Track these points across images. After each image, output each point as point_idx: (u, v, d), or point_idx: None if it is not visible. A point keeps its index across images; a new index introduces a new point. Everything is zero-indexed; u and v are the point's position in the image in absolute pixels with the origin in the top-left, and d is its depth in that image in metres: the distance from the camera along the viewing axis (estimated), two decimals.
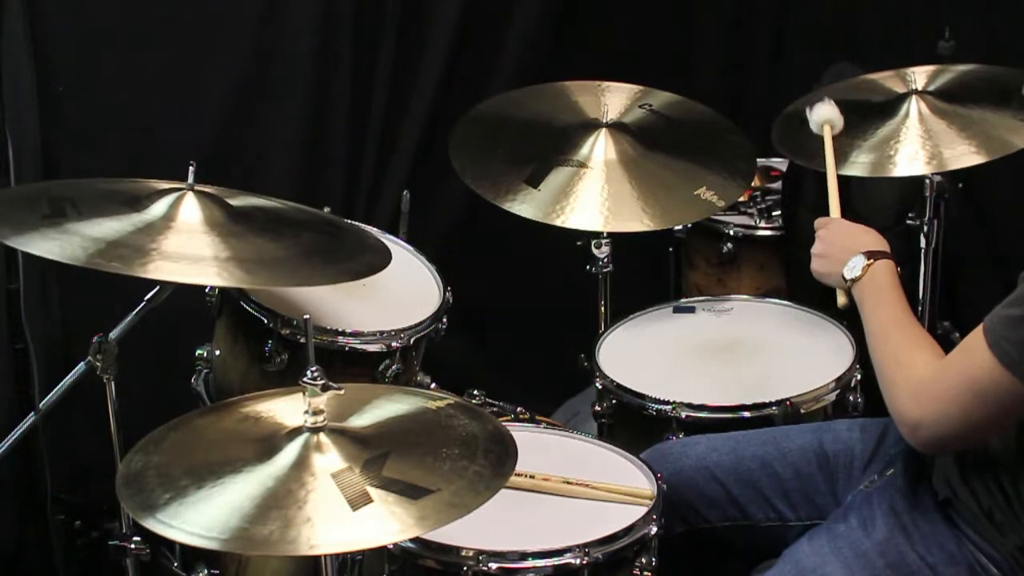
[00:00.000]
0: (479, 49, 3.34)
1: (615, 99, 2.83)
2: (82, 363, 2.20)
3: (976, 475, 1.92)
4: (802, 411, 2.34)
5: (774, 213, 3.19)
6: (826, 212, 3.20)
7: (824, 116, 2.57)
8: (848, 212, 3.03)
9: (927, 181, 2.69)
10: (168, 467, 1.73)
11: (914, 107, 2.64)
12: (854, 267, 2.05)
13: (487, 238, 3.27)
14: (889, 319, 1.98)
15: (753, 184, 3.19)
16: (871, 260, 2.04)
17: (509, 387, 2.92)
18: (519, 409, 2.71)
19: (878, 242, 2.11)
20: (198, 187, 2.17)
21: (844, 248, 2.11)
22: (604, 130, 2.75)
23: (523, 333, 3.47)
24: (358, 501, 1.64)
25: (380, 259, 2.26)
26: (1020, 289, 1.78)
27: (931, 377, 1.85)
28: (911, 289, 2.83)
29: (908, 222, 2.78)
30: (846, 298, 2.12)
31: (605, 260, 2.74)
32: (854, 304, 2.09)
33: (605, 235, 2.71)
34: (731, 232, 3.15)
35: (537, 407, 2.83)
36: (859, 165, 2.61)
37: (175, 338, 2.56)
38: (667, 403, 2.42)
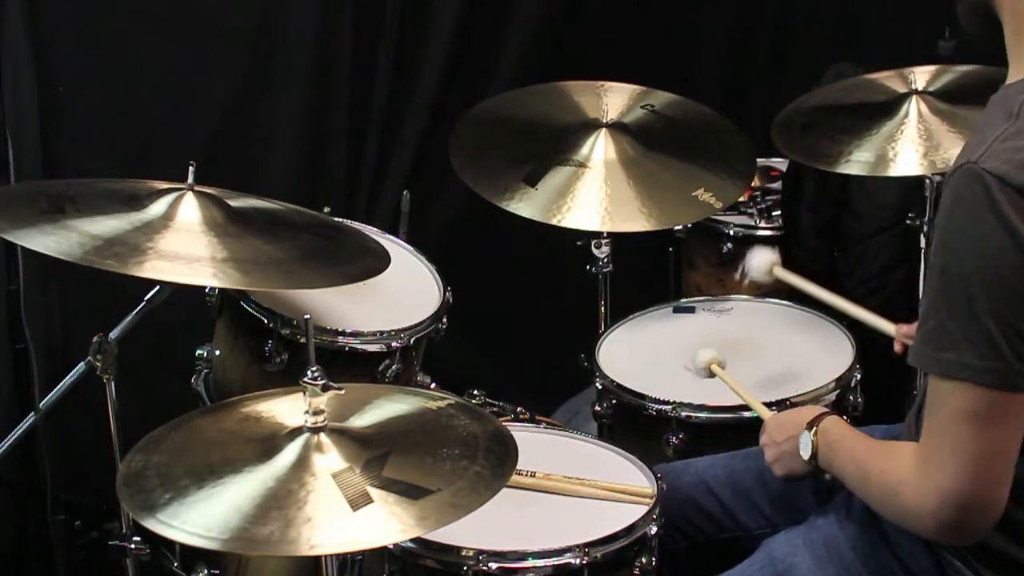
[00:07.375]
0: (479, 49, 3.34)
1: (615, 99, 2.83)
2: (82, 363, 2.20)
3: None
4: None
5: (774, 213, 3.19)
6: (826, 212, 3.20)
7: (707, 358, 2.40)
8: (848, 212, 3.05)
9: (927, 181, 2.69)
10: (168, 467, 1.73)
11: (914, 107, 2.64)
12: (805, 444, 1.99)
13: (487, 238, 3.27)
14: (860, 456, 1.91)
15: (753, 184, 3.18)
16: (814, 427, 1.98)
17: (509, 387, 2.92)
18: (519, 409, 2.71)
19: (811, 411, 2.05)
20: (198, 187, 2.17)
21: (788, 438, 2.05)
22: (604, 130, 2.75)
23: (523, 333, 3.47)
24: (358, 501, 1.64)
25: (378, 263, 2.26)
26: (922, 314, 1.74)
27: (921, 456, 1.77)
28: (911, 289, 2.83)
29: (908, 222, 2.77)
30: (823, 472, 2.00)
31: (605, 260, 2.74)
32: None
33: (605, 235, 2.71)
34: (731, 232, 3.15)
35: (537, 407, 2.83)
36: (858, 164, 2.61)
37: (175, 338, 2.56)
38: (667, 403, 2.42)
